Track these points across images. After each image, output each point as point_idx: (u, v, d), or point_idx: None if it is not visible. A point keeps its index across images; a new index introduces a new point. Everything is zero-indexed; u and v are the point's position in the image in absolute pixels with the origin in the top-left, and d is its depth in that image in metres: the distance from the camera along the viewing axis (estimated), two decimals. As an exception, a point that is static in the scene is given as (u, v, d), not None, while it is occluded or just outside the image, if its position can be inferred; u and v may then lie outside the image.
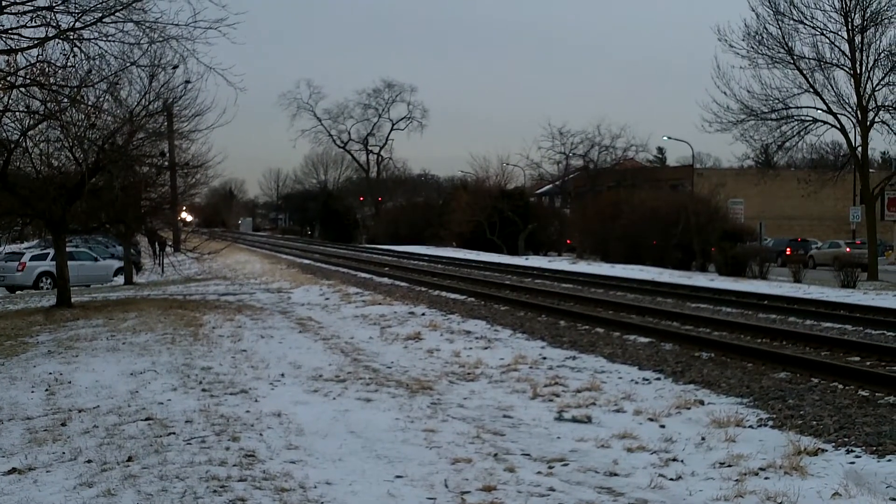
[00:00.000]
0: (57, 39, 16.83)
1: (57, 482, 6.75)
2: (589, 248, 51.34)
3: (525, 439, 8.19)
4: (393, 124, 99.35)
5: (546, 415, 9.20)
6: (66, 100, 18.52)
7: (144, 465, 7.04)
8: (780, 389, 10.24)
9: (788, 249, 47.83)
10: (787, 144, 36.81)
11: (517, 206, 58.55)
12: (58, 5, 16.60)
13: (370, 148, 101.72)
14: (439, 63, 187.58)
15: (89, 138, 21.63)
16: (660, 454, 7.64)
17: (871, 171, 38.89)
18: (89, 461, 7.27)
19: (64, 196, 22.64)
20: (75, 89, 18.19)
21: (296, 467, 6.95)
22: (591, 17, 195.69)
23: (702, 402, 9.65)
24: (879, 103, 34.26)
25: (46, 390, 10.75)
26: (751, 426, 8.61)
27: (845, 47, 33.84)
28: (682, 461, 7.45)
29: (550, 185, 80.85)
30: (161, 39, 18.35)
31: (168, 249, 38.50)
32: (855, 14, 33.34)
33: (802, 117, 35.67)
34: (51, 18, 16.50)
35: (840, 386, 10.23)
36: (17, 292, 32.18)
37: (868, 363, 11.72)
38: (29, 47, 16.94)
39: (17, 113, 20.60)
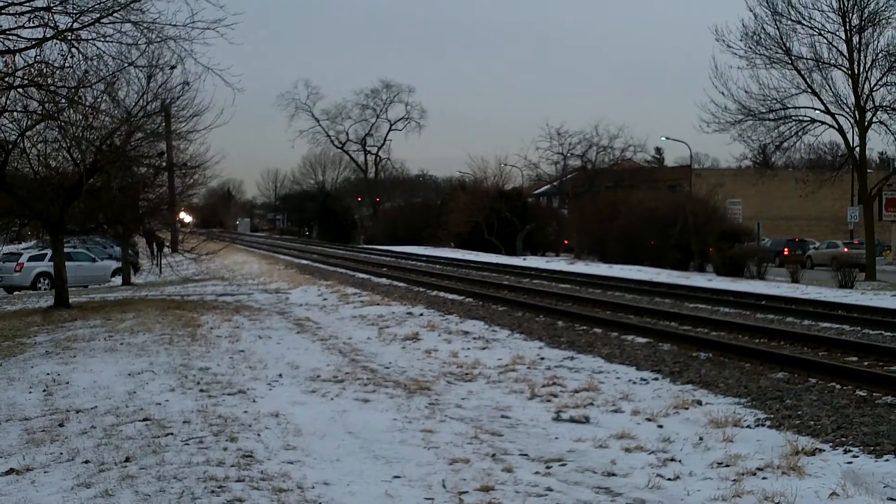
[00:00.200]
0: (55, 40, 16.83)
1: (55, 483, 6.75)
2: (587, 249, 51.35)
3: (523, 439, 8.20)
4: (391, 125, 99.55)
5: (544, 415, 9.20)
6: (63, 100, 18.53)
7: (142, 465, 7.03)
8: (777, 389, 10.24)
9: (786, 250, 47.83)
10: (785, 145, 36.88)
11: (515, 206, 58.54)
12: (56, 6, 16.59)
13: (368, 148, 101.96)
14: (437, 64, 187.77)
15: (87, 139, 21.63)
16: (657, 454, 7.65)
17: (868, 171, 38.91)
18: (87, 462, 7.26)
19: (62, 197, 22.62)
20: (73, 90, 18.19)
21: (293, 468, 6.95)
22: (589, 18, 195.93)
23: (700, 403, 9.66)
24: (877, 103, 34.32)
25: (44, 391, 10.74)
26: (748, 426, 8.62)
27: (843, 47, 33.91)
28: (679, 461, 7.46)
29: (548, 186, 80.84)
30: (159, 40, 18.35)
31: (166, 250, 38.39)
32: (853, 14, 33.39)
33: (800, 117, 35.73)
34: (49, 19, 16.50)
35: (838, 386, 10.24)
36: (15, 293, 32.14)
37: (866, 363, 11.72)
38: (27, 48, 16.94)
39: (14, 113, 20.62)
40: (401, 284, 28.28)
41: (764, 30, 34.55)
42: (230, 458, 7.16)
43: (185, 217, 43.93)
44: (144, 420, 8.71)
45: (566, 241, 59.38)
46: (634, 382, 11.08)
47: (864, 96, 34.05)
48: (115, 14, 17.16)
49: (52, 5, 16.55)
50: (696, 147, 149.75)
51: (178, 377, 11.17)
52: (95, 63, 18.13)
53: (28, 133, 21.77)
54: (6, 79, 17.11)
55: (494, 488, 6.53)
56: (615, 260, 42.40)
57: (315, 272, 35.88)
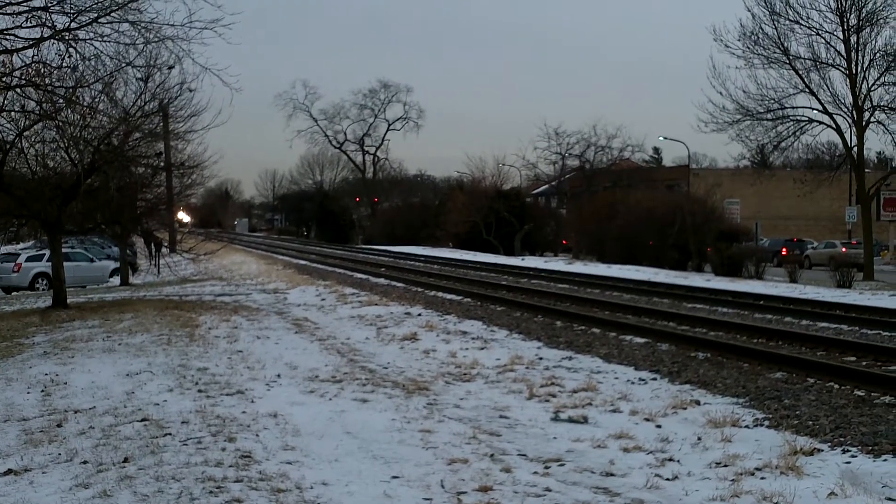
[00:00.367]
0: (52, 40, 16.84)
1: (53, 483, 6.74)
2: (585, 249, 51.36)
3: (521, 440, 8.19)
4: (389, 125, 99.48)
5: (542, 415, 9.20)
6: (61, 100, 18.53)
7: (140, 466, 7.03)
8: (776, 389, 10.25)
9: (784, 249, 47.82)
10: (783, 144, 36.91)
11: (513, 206, 58.55)
12: (53, 6, 16.58)
13: (366, 148, 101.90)
14: (435, 64, 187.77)
15: (85, 139, 21.62)
16: (656, 454, 7.65)
17: (866, 171, 38.96)
18: (85, 462, 7.25)
19: (60, 197, 22.61)
20: (71, 90, 18.20)
21: (292, 468, 6.95)
22: (587, 19, 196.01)
23: (698, 403, 9.66)
24: (875, 103, 34.37)
25: (42, 391, 10.73)
26: (747, 426, 8.62)
27: (841, 47, 33.92)
28: (678, 461, 7.46)
29: (546, 186, 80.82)
30: (156, 40, 18.36)
31: (164, 250, 38.36)
32: (850, 14, 33.41)
33: (798, 117, 35.76)
34: (46, 19, 16.51)
35: (836, 386, 10.24)
36: (13, 293, 32.11)
37: (864, 363, 11.73)
38: (24, 48, 16.95)
39: (12, 113, 20.60)
40: (399, 284, 28.28)
41: (762, 30, 34.64)
42: (228, 459, 7.15)
43: (184, 217, 43.90)
44: (143, 420, 8.70)
45: (564, 241, 59.40)
46: (633, 382, 11.08)
47: (862, 96, 34.09)
48: (112, 14, 17.18)
49: (49, 5, 16.55)
50: (694, 147, 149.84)
51: (177, 377, 11.16)
52: (93, 63, 18.18)
53: (26, 133, 21.74)
54: (4, 79, 17.12)
55: (493, 488, 6.53)
56: (613, 260, 42.42)
57: (313, 272, 35.88)
